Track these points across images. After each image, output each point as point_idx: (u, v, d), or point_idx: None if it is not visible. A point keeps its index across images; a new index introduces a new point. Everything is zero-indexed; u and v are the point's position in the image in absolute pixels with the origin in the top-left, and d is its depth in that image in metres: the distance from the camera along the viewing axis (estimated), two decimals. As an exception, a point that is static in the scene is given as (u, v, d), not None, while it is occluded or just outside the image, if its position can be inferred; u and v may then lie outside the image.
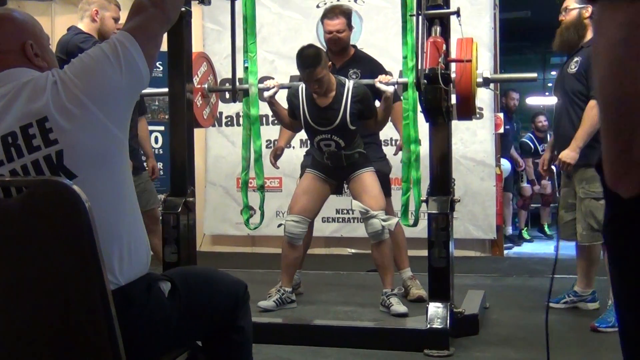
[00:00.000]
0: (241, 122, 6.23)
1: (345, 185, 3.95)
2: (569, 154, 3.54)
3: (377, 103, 3.71)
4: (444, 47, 3.02)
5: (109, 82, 1.61)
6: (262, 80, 6.36)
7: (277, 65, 6.27)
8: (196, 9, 4.25)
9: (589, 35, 3.62)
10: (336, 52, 3.95)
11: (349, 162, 3.73)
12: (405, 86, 3.56)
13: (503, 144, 6.68)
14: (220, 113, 6.35)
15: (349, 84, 3.64)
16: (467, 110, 3.30)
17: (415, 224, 3.69)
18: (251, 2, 3.84)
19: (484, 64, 5.76)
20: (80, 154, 1.56)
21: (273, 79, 3.90)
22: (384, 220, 3.61)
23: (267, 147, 6.11)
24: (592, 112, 3.45)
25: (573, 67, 3.63)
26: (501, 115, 6.10)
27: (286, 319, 3.59)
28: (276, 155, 4.18)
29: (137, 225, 1.69)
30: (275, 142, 6.11)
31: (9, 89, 1.61)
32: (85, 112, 1.57)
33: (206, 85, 3.94)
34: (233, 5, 3.89)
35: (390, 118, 4.00)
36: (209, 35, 6.41)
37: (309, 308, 3.83)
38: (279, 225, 3.89)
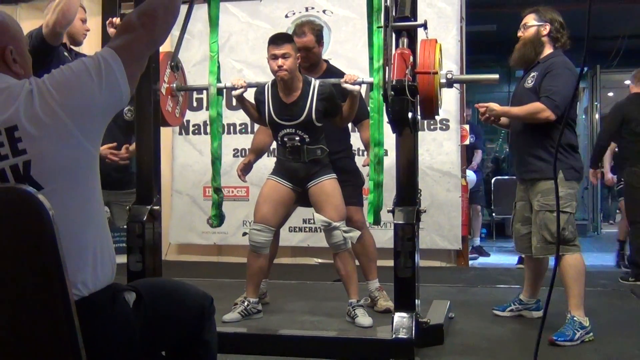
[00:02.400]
0: (208, 130, 6.23)
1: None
2: (497, 107, 3.74)
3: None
4: (411, 58, 3.05)
5: (87, 97, 1.60)
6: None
7: (245, 74, 6.25)
8: (164, 17, 4.23)
9: (547, 51, 3.74)
10: (306, 67, 3.96)
11: (310, 158, 3.70)
12: (371, 86, 3.58)
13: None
14: (187, 121, 6.33)
15: (315, 82, 3.67)
16: (431, 110, 3.29)
17: (377, 223, 3.67)
18: (215, 2, 3.85)
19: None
20: (48, 165, 1.54)
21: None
22: (345, 232, 3.62)
23: (234, 156, 6.10)
24: (534, 108, 3.56)
25: (530, 82, 3.71)
26: (467, 127, 6.16)
27: (252, 329, 3.57)
28: (244, 169, 4.14)
29: (103, 237, 1.68)
30: (243, 151, 6.14)
31: None
32: (57, 123, 1.55)
33: (174, 84, 3.92)
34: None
35: (360, 137, 4.04)
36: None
37: (275, 318, 3.82)
38: (244, 234, 3.87)
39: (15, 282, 1.40)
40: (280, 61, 3.55)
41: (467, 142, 6.14)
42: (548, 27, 3.73)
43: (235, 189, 5.90)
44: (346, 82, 3.58)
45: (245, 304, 3.74)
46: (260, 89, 3.79)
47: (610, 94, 12.11)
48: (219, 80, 3.91)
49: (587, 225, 9.50)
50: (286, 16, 6.26)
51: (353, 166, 4.15)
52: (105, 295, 1.62)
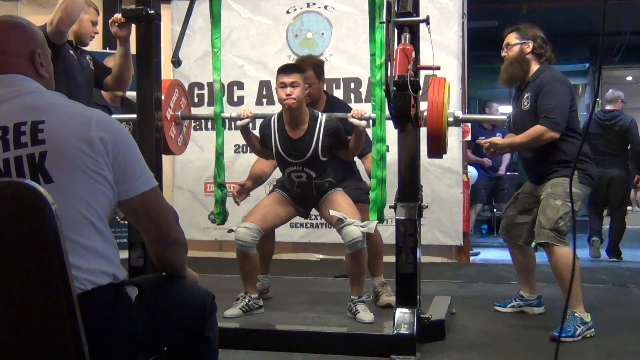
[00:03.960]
0: (209, 126, 6.24)
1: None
2: (500, 141, 3.82)
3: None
4: (413, 54, 3.04)
5: (124, 161, 1.67)
6: (232, 84, 6.38)
7: (246, 70, 6.26)
8: (165, 13, 4.22)
9: (533, 68, 3.77)
10: (307, 103, 3.96)
11: (318, 191, 3.78)
12: (374, 121, 3.59)
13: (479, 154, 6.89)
14: (189, 117, 6.31)
15: (322, 117, 3.69)
16: (438, 149, 3.46)
17: (381, 220, 3.67)
18: None
19: (452, 72, 5.84)
20: (61, 156, 1.57)
21: (246, 109, 3.91)
22: (362, 227, 3.59)
23: (235, 152, 6.09)
24: (535, 133, 3.58)
25: (526, 104, 3.74)
26: (469, 123, 6.16)
27: (253, 325, 3.57)
28: (240, 191, 4.03)
29: (106, 235, 1.68)
30: (244, 147, 6.13)
31: (9, 90, 1.65)
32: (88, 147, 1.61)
33: (179, 113, 3.93)
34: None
35: (364, 167, 4.04)
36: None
37: (276, 313, 3.82)
38: (230, 231, 3.83)
39: (17, 276, 1.40)
40: (288, 89, 3.57)
41: (468, 138, 6.14)
42: (531, 45, 3.77)
43: (237, 185, 5.89)
44: (353, 117, 3.61)
45: (247, 299, 3.74)
46: (266, 122, 3.80)
47: (612, 90, 12.08)
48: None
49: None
50: (287, 12, 6.25)
51: (357, 176, 4.19)
52: (108, 290, 1.62)
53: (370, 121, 3.63)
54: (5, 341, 1.43)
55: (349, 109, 4.14)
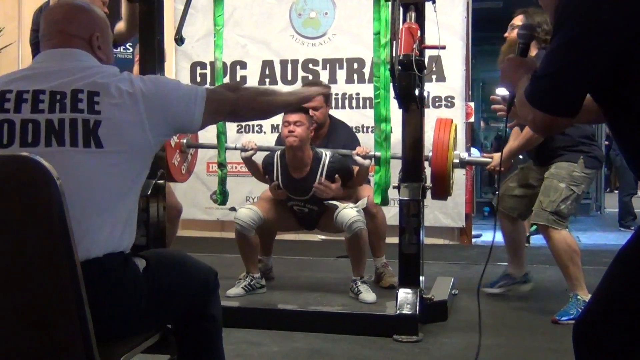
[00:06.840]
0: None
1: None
2: (498, 158, 3.77)
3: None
4: (419, 33, 3.02)
5: (168, 109, 1.78)
6: (234, 64, 6.34)
7: (249, 49, 6.22)
8: (168, -10, 4.19)
9: (532, 52, 3.70)
10: (313, 130, 3.93)
11: (319, 215, 3.85)
12: (377, 160, 3.57)
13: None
14: (191, 96, 6.29)
15: (325, 159, 3.70)
16: (443, 191, 3.52)
17: (385, 203, 3.66)
18: None
19: (456, 53, 5.80)
20: (113, 130, 1.65)
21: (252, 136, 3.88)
22: (355, 207, 3.60)
23: (237, 131, 6.08)
24: (529, 134, 3.54)
25: None
26: (472, 104, 6.13)
27: (256, 304, 3.58)
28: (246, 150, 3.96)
29: (132, 209, 1.75)
30: (247, 127, 6.13)
31: (69, 61, 1.74)
32: (135, 108, 1.70)
33: (185, 140, 3.91)
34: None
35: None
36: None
37: (278, 293, 3.82)
38: (232, 209, 3.87)
39: (21, 249, 1.41)
40: (291, 127, 3.58)
41: (472, 119, 6.11)
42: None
43: (239, 164, 5.86)
44: (358, 155, 3.64)
45: (249, 279, 3.75)
46: (269, 158, 3.82)
47: None
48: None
49: (591, 204, 9.47)
50: (291, -9, 6.20)
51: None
52: (118, 258, 1.66)
53: (374, 160, 3.61)
54: (8, 310, 1.44)
55: (352, 134, 4.20)
